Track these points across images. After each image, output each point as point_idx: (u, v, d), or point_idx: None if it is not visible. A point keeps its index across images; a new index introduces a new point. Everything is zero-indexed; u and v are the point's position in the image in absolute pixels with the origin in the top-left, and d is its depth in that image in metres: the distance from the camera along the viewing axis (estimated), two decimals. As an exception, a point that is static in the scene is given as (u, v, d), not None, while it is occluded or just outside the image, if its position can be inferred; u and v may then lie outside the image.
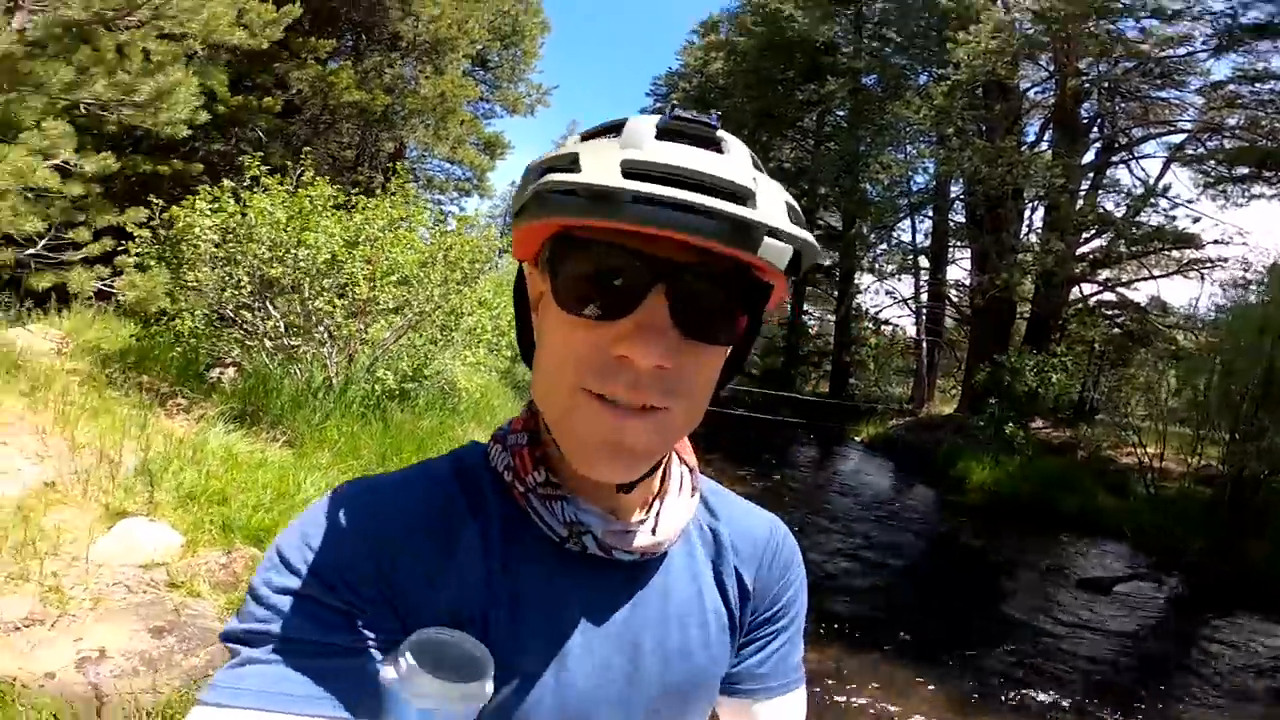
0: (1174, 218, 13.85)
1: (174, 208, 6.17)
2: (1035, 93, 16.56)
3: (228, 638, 0.49)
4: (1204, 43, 13.28)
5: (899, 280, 19.87)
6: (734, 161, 0.48)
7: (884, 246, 19.42)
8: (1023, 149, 14.99)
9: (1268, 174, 12.44)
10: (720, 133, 0.50)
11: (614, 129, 0.51)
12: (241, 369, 6.46)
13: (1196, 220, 13.64)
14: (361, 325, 6.59)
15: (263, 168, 6.55)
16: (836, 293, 22.29)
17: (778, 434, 15.18)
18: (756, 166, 0.51)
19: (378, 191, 7.30)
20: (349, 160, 14.45)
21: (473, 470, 0.59)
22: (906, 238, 19.57)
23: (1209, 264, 13.72)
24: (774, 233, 0.46)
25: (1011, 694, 4.46)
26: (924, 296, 18.82)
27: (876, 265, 19.60)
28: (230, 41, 7.46)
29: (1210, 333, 9.97)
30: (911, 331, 19.30)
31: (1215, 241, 13.62)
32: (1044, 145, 15.90)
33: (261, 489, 3.94)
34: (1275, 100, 12.84)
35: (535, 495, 0.57)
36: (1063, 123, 15.29)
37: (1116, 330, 15.37)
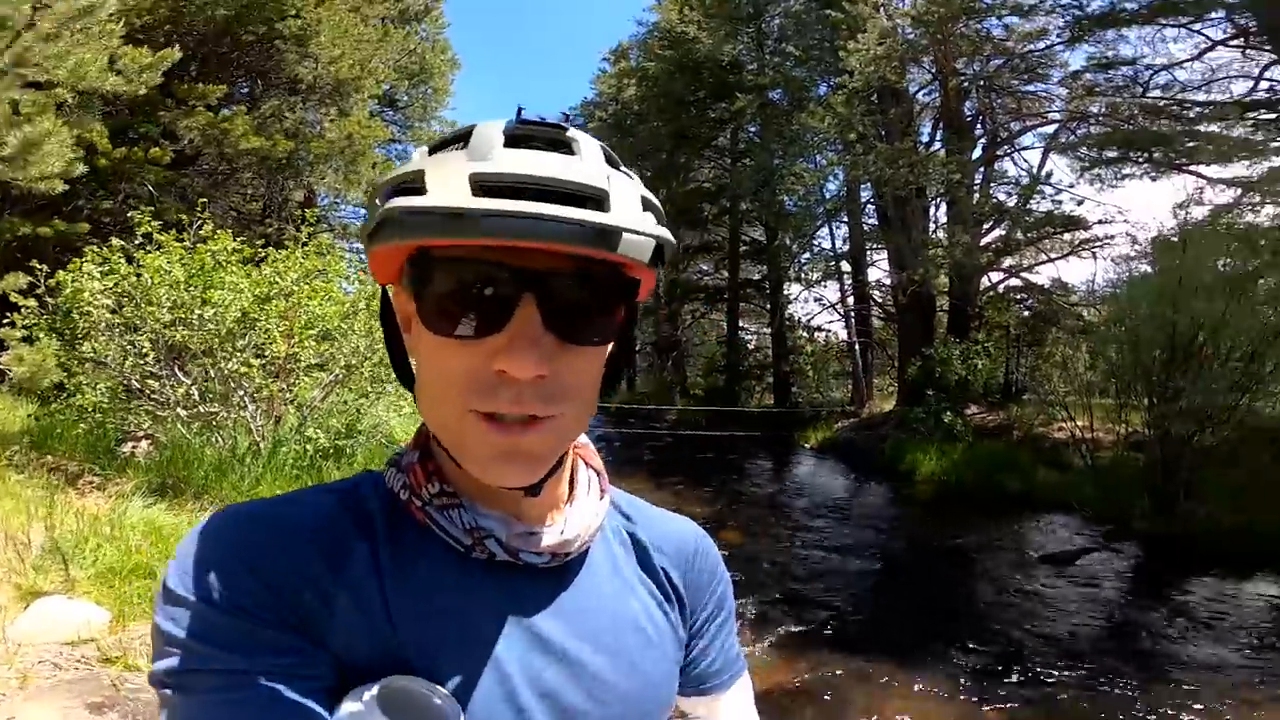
0: (1060, 203, 14.93)
1: (60, 272, 5.64)
2: (923, 95, 17.62)
3: (156, 681, 0.48)
4: (1059, 35, 14.48)
5: (825, 286, 20.53)
6: (586, 163, 0.49)
7: (807, 255, 20.06)
8: (919, 149, 15.83)
9: (1134, 155, 13.54)
10: (571, 133, 0.50)
11: (462, 138, 0.50)
12: (156, 441, 5.97)
13: (1081, 203, 14.76)
14: (285, 385, 6.15)
15: (155, 223, 6.06)
16: (769, 305, 22.79)
17: (730, 450, 15.22)
18: (611, 163, 0.52)
19: (289, 243, 6.89)
20: (255, 212, 13.70)
21: (357, 495, 0.57)
22: (827, 244, 20.30)
23: (1097, 242, 14.79)
24: (631, 231, 0.47)
25: (991, 676, 4.47)
26: (850, 300, 19.48)
27: (802, 274, 20.20)
28: (103, 89, 6.94)
29: (1112, 305, 10.66)
30: (843, 335, 19.91)
31: (1100, 221, 14.74)
32: (937, 144, 16.86)
33: None
34: (1129, 86, 14.08)
35: (432, 507, 0.56)
36: (950, 122, 16.28)
37: (1027, 313, 16.31)
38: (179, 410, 5.78)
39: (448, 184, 0.46)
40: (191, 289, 5.72)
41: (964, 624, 5.45)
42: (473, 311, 0.49)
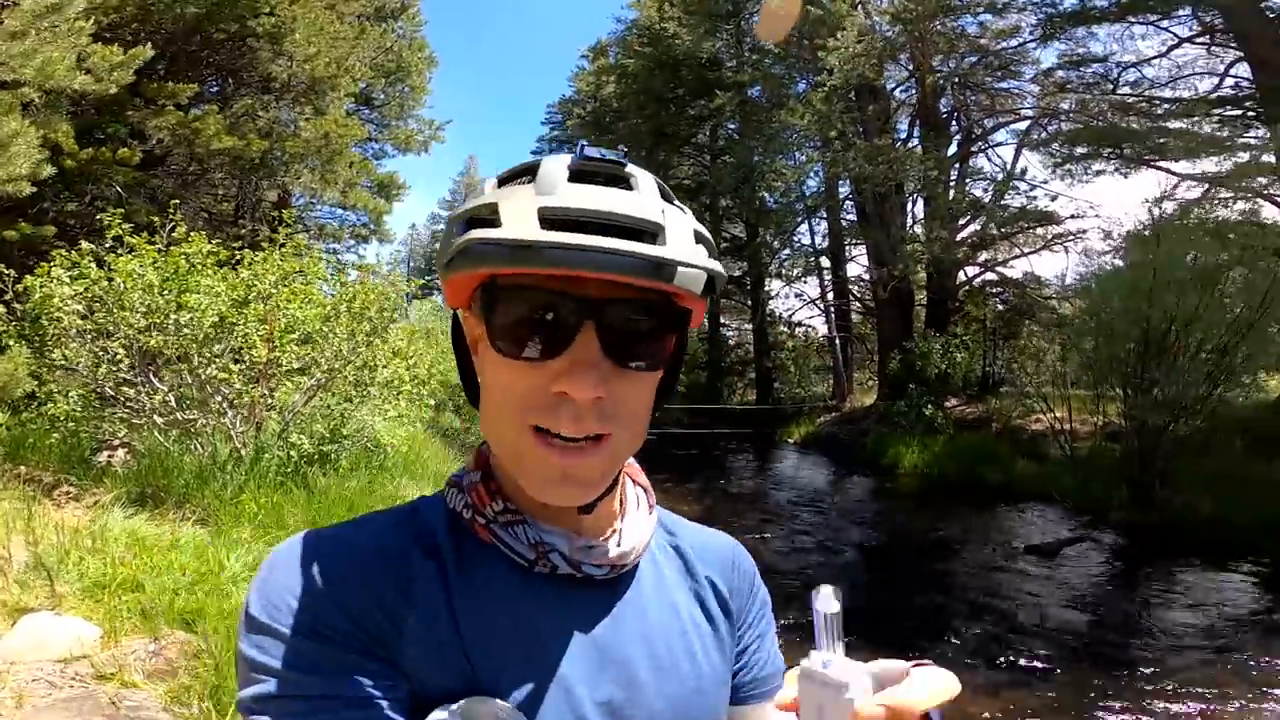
0: (1034, 198, 15.20)
1: (27, 277, 5.45)
2: (900, 92, 17.79)
3: (245, 708, 0.50)
4: (1031, 33, 14.71)
5: (805, 282, 20.67)
6: (644, 197, 0.53)
7: (787, 251, 20.18)
8: (897, 146, 15.97)
9: (1105, 151, 13.81)
10: (629, 169, 0.54)
11: (529, 172, 0.55)
12: (133, 450, 5.82)
13: (1054, 199, 15.07)
14: (265, 390, 6.02)
15: (125, 226, 5.90)
16: (750, 301, 22.87)
17: (714, 447, 15.27)
18: (666, 197, 0.55)
19: (264, 244, 6.74)
20: (227, 213, 13.37)
21: (421, 517, 0.60)
22: (807, 241, 20.41)
23: (1070, 237, 15.06)
24: (685, 265, 0.51)
25: (975, 665, 4.53)
26: (830, 295, 19.62)
27: (783, 270, 20.31)
28: (72, 88, 6.73)
29: (1086, 299, 10.86)
30: (823, 330, 20.05)
31: (1072, 216, 15.05)
32: (914, 141, 17.03)
33: (179, 571, 3.81)
34: (1099, 83, 14.34)
35: (497, 524, 0.58)
36: (926, 118, 16.46)
37: (1002, 306, 16.56)
38: (155, 417, 5.63)
39: (518, 217, 0.49)
40: (166, 293, 5.58)
41: (949, 614, 5.51)
42: (536, 336, 0.52)
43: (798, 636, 5.01)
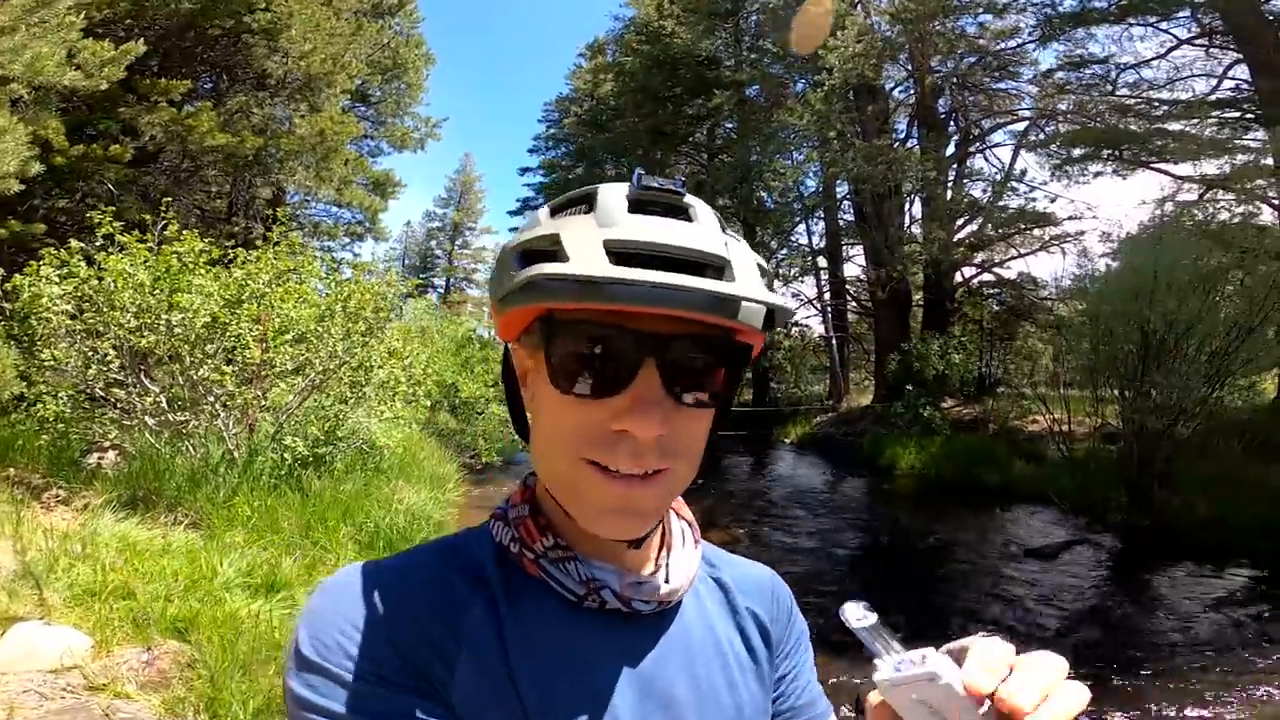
0: (1032, 199, 15.19)
1: (16, 276, 5.37)
2: (899, 92, 17.77)
3: None
4: (1030, 34, 14.70)
5: (802, 282, 20.64)
6: (705, 230, 0.52)
7: (785, 251, 20.17)
8: (895, 146, 15.95)
9: (1103, 153, 13.81)
10: (688, 199, 0.53)
11: (584, 200, 0.54)
12: (123, 452, 5.75)
13: (1053, 200, 15.08)
14: (259, 391, 5.96)
15: (116, 224, 5.82)
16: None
17: (711, 447, 15.14)
18: (723, 229, 0.55)
19: (258, 243, 6.66)
20: (220, 211, 13.27)
21: (467, 551, 0.60)
22: (804, 241, 20.41)
23: (1067, 238, 15.06)
24: (750, 301, 0.49)
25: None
26: (827, 295, 19.61)
27: (780, 270, 20.27)
28: (61, 84, 6.64)
29: (1084, 300, 10.85)
30: (820, 330, 20.04)
31: (1069, 218, 15.04)
32: (913, 141, 17.01)
33: (171, 578, 3.76)
34: (1098, 84, 14.34)
35: (547, 560, 0.58)
36: (925, 119, 16.44)
37: (998, 307, 16.57)
38: (146, 419, 5.56)
39: (584, 252, 0.48)
40: (157, 292, 5.51)
41: (947, 616, 5.49)
42: (597, 372, 0.51)
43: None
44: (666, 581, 0.61)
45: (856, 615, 0.46)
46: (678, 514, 0.68)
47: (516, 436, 0.64)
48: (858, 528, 8.87)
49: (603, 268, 0.47)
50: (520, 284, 0.50)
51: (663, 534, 0.65)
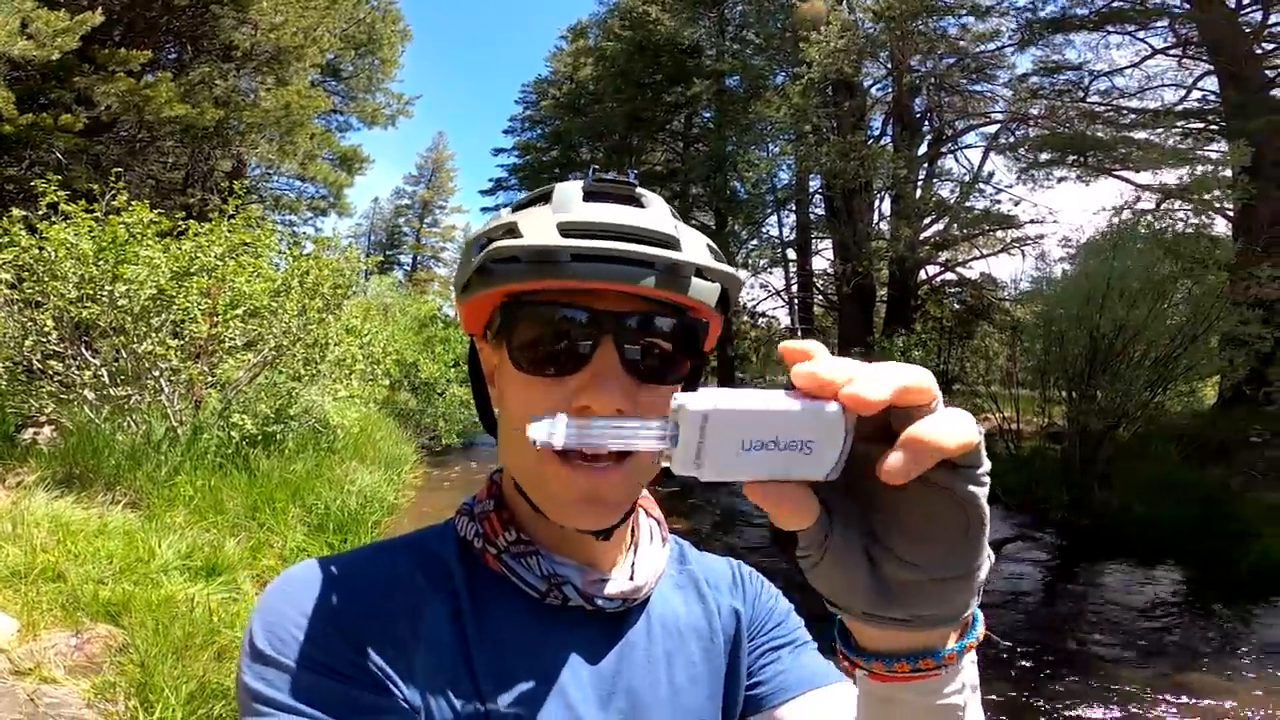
0: (998, 201, 15.42)
1: (-47, 245, 5.22)
2: (876, 89, 17.88)
3: None
4: (1010, 37, 14.88)
5: (771, 273, 20.73)
6: (656, 214, 0.54)
7: (755, 242, 20.27)
8: (869, 143, 16.07)
9: (1069, 158, 14.07)
10: (640, 190, 0.56)
11: (543, 197, 0.56)
12: (60, 427, 5.62)
13: (1017, 203, 15.28)
14: (205, 366, 5.88)
15: (62, 193, 5.68)
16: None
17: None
18: (675, 217, 0.56)
19: (213, 215, 6.55)
20: (176, 182, 12.94)
21: (430, 547, 0.60)
22: (775, 232, 20.51)
23: (1028, 241, 15.34)
24: (701, 272, 0.52)
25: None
26: (794, 288, 19.76)
27: (749, 261, 20.37)
28: (12, 53, 6.43)
29: (1040, 303, 11.08)
30: (786, 322, 20.22)
31: (1031, 221, 15.28)
32: (886, 139, 17.14)
33: (105, 559, 3.69)
34: (1070, 90, 14.58)
35: (509, 555, 0.58)
36: (900, 117, 16.58)
37: (959, 306, 16.84)
38: (86, 393, 5.46)
39: (538, 229, 0.51)
40: (101, 263, 5.39)
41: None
42: (556, 351, 0.53)
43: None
44: (632, 579, 0.61)
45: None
46: (647, 512, 0.68)
47: (477, 418, 0.65)
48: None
49: (555, 239, 0.49)
50: (478, 265, 0.52)
51: (632, 531, 0.65)
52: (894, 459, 0.33)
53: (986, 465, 0.36)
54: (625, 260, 0.49)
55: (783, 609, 0.74)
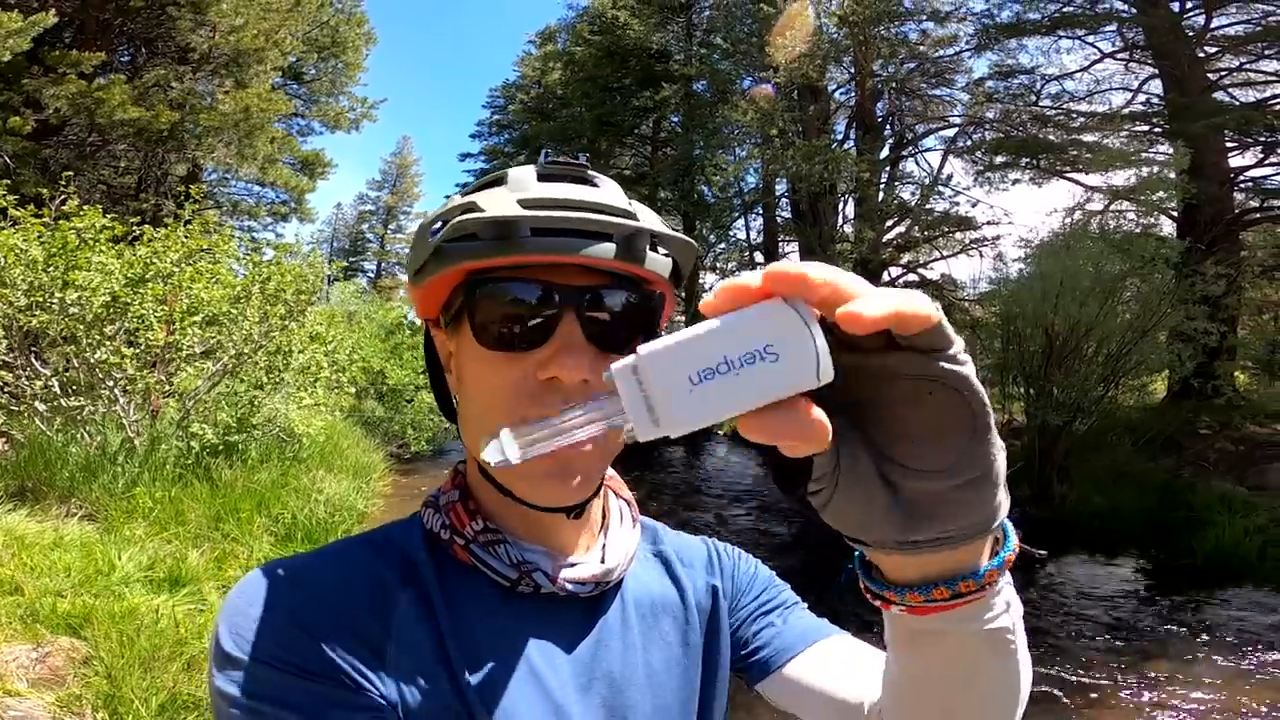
0: (956, 203, 15.79)
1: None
2: (840, 94, 18.18)
3: None
4: (968, 42, 15.28)
5: (738, 276, 20.84)
6: (609, 191, 0.57)
7: (723, 245, 20.38)
8: (833, 147, 16.33)
9: (1022, 161, 14.49)
10: (591, 171, 0.58)
11: (496, 181, 0.57)
12: (10, 439, 5.45)
13: (974, 205, 15.65)
14: (162, 375, 5.73)
15: (10, 198, 5.51)
16: (683, 294, 22.97)
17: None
18: (628, 196, 0.58)
19: (168, 220, 6.39)
20: (129, 187, 12.60)
21: (397, 541, 0.59)
22: (742, 236, 20.68)
23: (985, 242, 15.73)
24: (655, 246, 0.54)
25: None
26: (763, 290, 19.88)
27: (717, 264, 20.52)
28: (-41, 54, 6.21)
29: (998, 303, 11.37)
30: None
31: (988, 223, 15.67)
32: (850, 143, 17.43)
33: (63, 572, 3.63)
34: (1023, 94, 15.02)
35: (477, 544, 0.57)
36: (863, 121, 16.88)
37: (923, 307, 17.11)
38: (37, 404, 5.30)
39: (499, 204, 0.51)
40: (51, 269, 5.24)
41: (850, 602, 5.71)
42: (520, 325, 0.53)
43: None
44: (603, 562, 0.61)
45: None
46: (616, 493, 0.68)
47: (447, 425, 0.64)
48: (782, 518, 9.13)
49: (521, 211, 0.50)
50: (438, 243, 0.52)
51: (602, 514, 0.65)
52: (858, 308, 0.30)
53: (959, 343, 0.34)
54: (584, 233, 0.50)
55: (764, 575, 0.74)
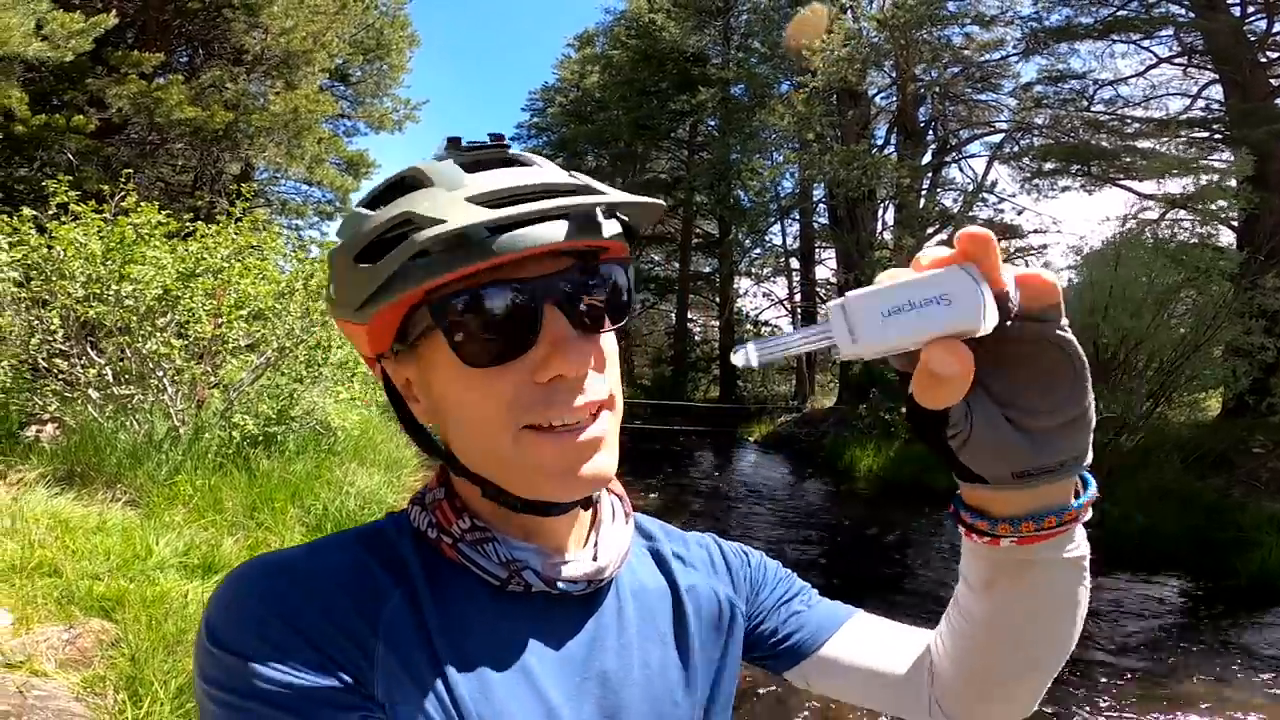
0: (1001, 211, 15.40)
1: (-37, 243, 5.30)
2: (880, 98, 17.91)
3: None
4: (1015, 47, 14.90)
5: (774, 282, 20.74)
6: (549, 170, 0.53)
7: (758, 251, 20.31)
8: (873, 152, 16.09)
9: (1073, 168, 14.05)
10: (513, 150, 0.54)
11: (403, 185, 0.52)
12: (64, 425, 5.67)
13: (1020, 213, 15.25)
14: (209, 367, 5.93)
15: (73, 194, 5.75)
16: (718, 298, 22.94)
17: (674, 443, 15.34)
18: (564, 169, 0.55)
19: (220, 217, 6.62)
20: (185, 184, 13.10)
21: (386, 538, 0.57)
22: (778, 241, 20.54)
23: (1032, 251, 15.30)
24: (610, 211, 0.53)
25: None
26: (797, 296, 19.76)
27: (752, 269, 20.41)
28: (27, 54, 6.55)
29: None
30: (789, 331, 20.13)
31: (1035, 231, 15.26)
32: (890, 148, 17.17)
33: (103, 556, 3.69)
34: (1074, 99, 14.57)
35: (465, 543, 0.56)
36: (904, 126, 16.59)
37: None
38: (90, 392, 5.51)
39: (454, 210, 0.47)
40: (109, 263, 5.45)
41: (893, 616, 5.61)
42: (505, 332, 0.50)
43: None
44: (595, 560, 0.59)
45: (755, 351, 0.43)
46: (608, 489, 0.66)
47: (418, 448, 0.62)
48: (813, 527, 9.01)
49: (489, 214, 0.46)
50: (395, 268, 0.48)
51: (593, 511, 0.63)
52: (1031, 290, 0.42)
53: (1065, 319, 0.44)
54: (544, 219, 0.48)
55: (775, 565, 0.74)
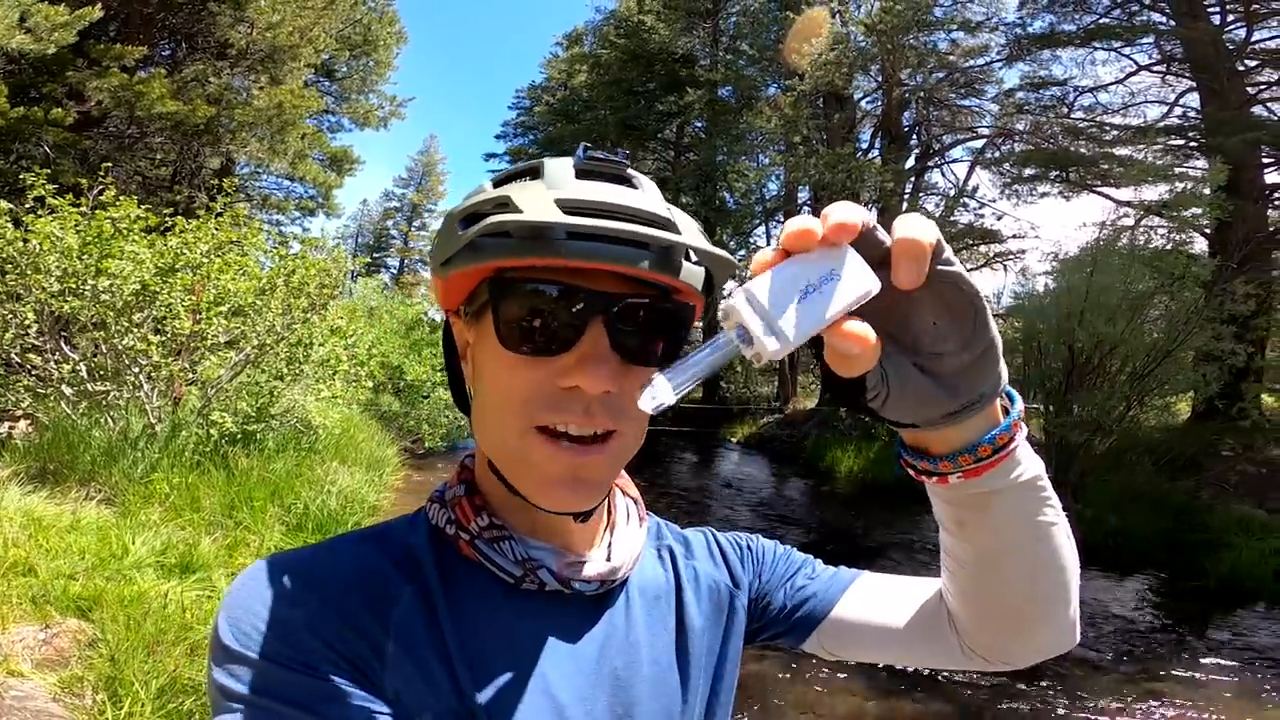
0: (981, 216, 15.57)
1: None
2: (866, 102, 18.05)
3: None
4: (999, 53, 15.07)
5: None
6: (649, 196, 0.54)
7: (743, 252, 20.33)
8: (858, 156, 16.22)
9: (1052, 174, 14.25)
10: (631, 170, 0.55)
11: (530, 172, 0.55)
12: (37, 421, 5.59)
13: (1000, 218, 15.44)
14: (186, 363, 5.87)
15: (49, 187, 5.68)
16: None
17: (657, 442, 15.37)
18: (666, 200, 0.56)
19: (200, 212, 6.55)
20: (163, 179, 12.93)
21: (399, 537, 0.58)
22: (763, 243, 20.60)
23: (1010, 256, 15.50)
24: (689, 255, 0.53)
25: (892, 671, 4.67)
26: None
27: (737, 271, 20.42)
28: (9, 47, 6.45)
29: (1021, 318, 11.18)
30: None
31: (1013, 236, 15.44)
32: (875, 152, 17.30)
33: (77, 555, 3.65)
34: (1055, 106, 14.77)
35: (482, 540, 0.57)
36: (889, 130, 16.74)
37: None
38: (64, 388, 5.44)
39: (536, 205, 0.49)
40: (85, 257, 5.39)
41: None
42: (546, 329, 0.52)
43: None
44: (609, 560, 0.60)
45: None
46: (623, 491, 0.67)
47: (462, 421, 0.65)
48: (794, 526, 9.09)
49: (558, 215, 0.48)
50: (470, 238, 0.50)
51: (608, 512, 0.64)
52: (904, 268, 0.41)
53: (949, 249, 0.44)
54: (621, 240, 0.49)
55: (770, 546, 0.76)
